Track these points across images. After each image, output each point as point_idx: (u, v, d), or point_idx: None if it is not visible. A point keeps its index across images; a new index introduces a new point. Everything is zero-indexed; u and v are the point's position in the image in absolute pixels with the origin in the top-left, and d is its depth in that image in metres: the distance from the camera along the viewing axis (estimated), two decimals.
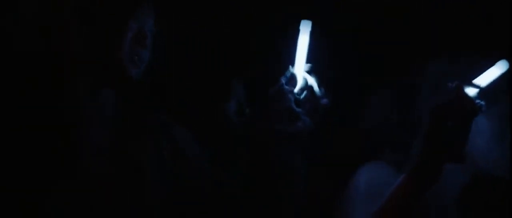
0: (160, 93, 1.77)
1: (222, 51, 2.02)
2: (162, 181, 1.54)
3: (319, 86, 1.64)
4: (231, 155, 1.64)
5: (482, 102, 1.41)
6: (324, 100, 1.64)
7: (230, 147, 1.65)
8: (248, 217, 1.60)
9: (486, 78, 1.50)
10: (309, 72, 1.66)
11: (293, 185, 1.63)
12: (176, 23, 1.90)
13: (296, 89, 1.65)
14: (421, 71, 1.78)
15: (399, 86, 1.85)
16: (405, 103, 1.78)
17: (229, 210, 1.60)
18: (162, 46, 1.56)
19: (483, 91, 1.45)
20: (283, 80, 1.64)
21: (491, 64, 1.49)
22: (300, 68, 1.68)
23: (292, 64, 1.68)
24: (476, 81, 1.50)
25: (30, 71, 1.41)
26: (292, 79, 1.65)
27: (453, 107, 1.37)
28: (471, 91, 1.44)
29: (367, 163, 1.80)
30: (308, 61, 1.67)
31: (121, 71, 1.47)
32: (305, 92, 1.64)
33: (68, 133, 1.41)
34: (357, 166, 1.82)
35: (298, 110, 1.61)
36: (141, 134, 1.56)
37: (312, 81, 1.64)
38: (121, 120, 1.55)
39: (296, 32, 1.70)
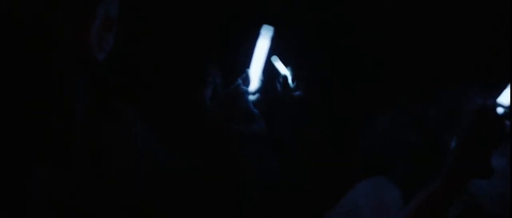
0: (123, 79, 1.76)
1: (193, 38, 1.99)
2: (119, 169, 1.54)
3: (293, 79, 1.70)
4: (188, 145, 1.67)
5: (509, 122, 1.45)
6: (297, 93, 1.69)
7: (192, 137, 1.68)
8: (202, 208, 1.62)
9: (506, 98, 1.56)
10: (286, 65, 1.71)
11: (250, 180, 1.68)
12: (141, 10, 1.88)
13: (251, 90, 1.70)
14: (433, 94, 1.79)
15: (411, 108, 1.84)
16: (417, 126, 1.77)
17: (183, 200, 1.62)
18: (126, 33, 1.57)
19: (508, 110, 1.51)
20: (239, 81, 1.69)
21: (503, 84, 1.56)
22: (257, 71, 1.73)
23: (249, 66, 1.74)
24: (500, 101, 1.56)
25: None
26: (247, 80, 1.70)
27: (487, 125, 1.42)
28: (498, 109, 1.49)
29: (368, 177, 1.76)
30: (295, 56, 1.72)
31: (90, 57, 1.47)
32: (259, 94, 1.70)
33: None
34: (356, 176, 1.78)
35: (254, 111, 1.66)
36: (102, 121, 1.56)
37: (287, 73, 1.70)
38: (87, 107, 1.55)
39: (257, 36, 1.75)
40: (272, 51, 1.75)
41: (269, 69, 1.74)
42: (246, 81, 1.70)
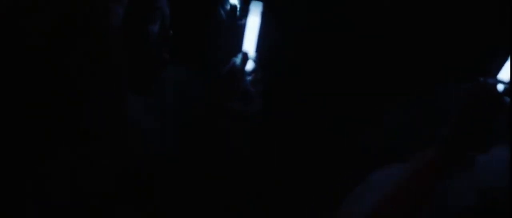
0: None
1: None
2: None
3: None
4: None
5: (507, 97, 1.49)
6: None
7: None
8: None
9: (506, 72, 1.59)
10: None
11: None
12: None
13: (247, 69, 1.68)
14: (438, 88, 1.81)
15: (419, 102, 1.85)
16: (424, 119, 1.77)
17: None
18: None
19: (507, 85, 1.55)
20: (235, 61, 1.66)
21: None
22: (251, 49, 1.71)
23: (242, 44, 1.71)
24: (499, 76, 1.60)
25: None
26: (243, 59, 1.68)
27: (483, 100, 1.46)
28: (498, 86, 1.53)
29: (384, 164, 1.71)
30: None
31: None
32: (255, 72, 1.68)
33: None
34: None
35: (252, 90, 1.64)
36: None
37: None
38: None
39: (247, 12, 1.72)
40: (263, 28, 1.73)
41: (261, 47, 1.72)
42: (242, 60, 1.67)
